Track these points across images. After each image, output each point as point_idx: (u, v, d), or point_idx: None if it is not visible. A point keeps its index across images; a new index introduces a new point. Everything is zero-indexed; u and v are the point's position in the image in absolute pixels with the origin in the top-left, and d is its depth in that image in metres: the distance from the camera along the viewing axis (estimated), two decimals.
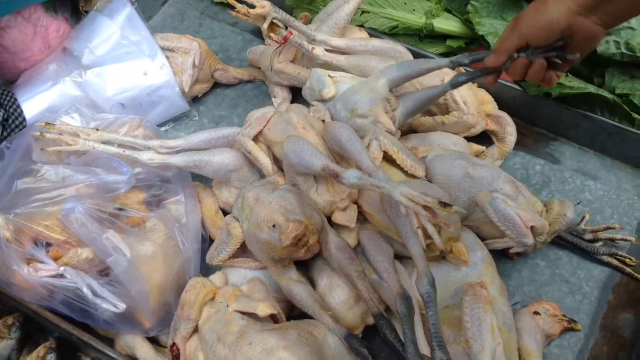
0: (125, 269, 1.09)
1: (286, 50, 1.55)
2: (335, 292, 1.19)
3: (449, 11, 1.76)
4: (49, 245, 1.14)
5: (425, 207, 0.97)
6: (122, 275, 1.09)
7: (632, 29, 1.50)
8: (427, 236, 1.09)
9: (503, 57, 1.13)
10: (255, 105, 1.69)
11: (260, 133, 1.32)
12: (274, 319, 1.12)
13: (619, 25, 1.46)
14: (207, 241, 1.35)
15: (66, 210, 1.09)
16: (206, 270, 1.31)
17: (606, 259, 1.39)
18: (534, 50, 1.10)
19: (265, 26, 1.48)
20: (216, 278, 1.21)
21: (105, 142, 1.32)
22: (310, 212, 1.14)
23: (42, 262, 1.12)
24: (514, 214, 1.23)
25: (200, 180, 1.46)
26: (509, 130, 1.52)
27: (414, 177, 1.26)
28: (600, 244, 1.40)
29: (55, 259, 1.13)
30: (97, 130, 1.32)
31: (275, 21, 1.53)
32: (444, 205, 0.94)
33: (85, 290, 1.10)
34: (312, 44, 1.52)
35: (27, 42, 1.51)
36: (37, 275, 1.09)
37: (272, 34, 1.46)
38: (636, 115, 1.51)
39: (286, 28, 1.62)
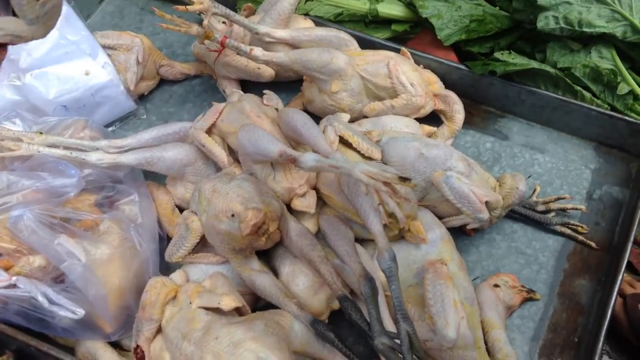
0: (80, 274, 1.06)
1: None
2: (299, 278, 1.18)
3: None
4: None
5: (385, 183, 0.97)
6: (77, 280, 1.05)
7: (569, 3, 1.54)
8: (386, 214, 1.11)
9: None
10: (204, 99, 1.67)
11: (213, 125, 1.31)
12: (238, 312, 1.11)
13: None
14: (164, 240, 1.33)
15: (14, 218, 1.05)
16: (165, 269, 1.29)
17: (559, 228, 1.43)
18: None
19: (205, 22, 1.46)
20: (176, 276, 1.19)
21: (50, 145, 1.27)
22: (268, 199, 1.13)
23: None
24: (468, 190, 1.25)
25: (153, 178, 1.43)
26: (457, 108, 1.54)
27: (370, 159, 1.27)
28: (553, 214, 1.45)
29: (6, 269, 1.08)
30: (41, 133, 1.27)
31: (217, 17, 1.51)
32: (403, 179, 0.95)
33: (40, 299, 1.06)
34: (255, 36, 1.51)
35: None
36: None
37: (206, 41, 1.43)
38: (578, 88, 1.56)
39: (230, 25, 1.60)
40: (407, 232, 1.21)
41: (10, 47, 1.48)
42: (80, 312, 1.06)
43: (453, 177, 1.25)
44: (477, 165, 1.34)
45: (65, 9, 1.54)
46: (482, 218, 1.26)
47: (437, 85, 1.57)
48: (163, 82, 1.69)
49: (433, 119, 1.55)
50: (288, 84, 1.63)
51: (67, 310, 1.06)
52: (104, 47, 1.55)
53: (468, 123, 1.58)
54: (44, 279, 1.09)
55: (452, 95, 1.55)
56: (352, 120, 1.47)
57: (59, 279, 1.11)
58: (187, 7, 1.41)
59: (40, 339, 1.14)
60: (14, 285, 1.06)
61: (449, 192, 1.25)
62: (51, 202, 1.10)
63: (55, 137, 1.29)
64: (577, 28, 1.55)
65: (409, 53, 1.57)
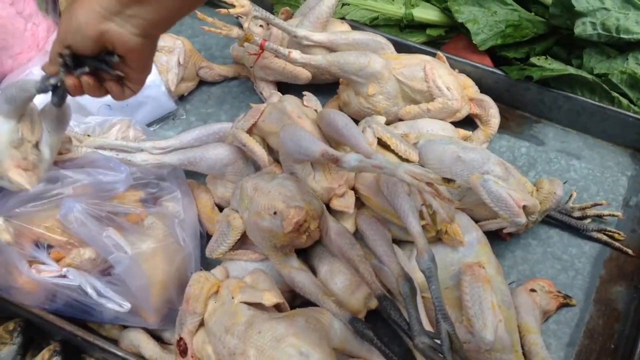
0: (127, 266, 1.09)
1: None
2: (337, 277, 1.20)
3: (427, 0, 1.79)
4: (49, 246, 1.13)
5: (428, 184, 0.99)
6: (123, 272, 1.08)
7: (606, 9, 1.54)
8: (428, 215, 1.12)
9: (54, 66, 0.93)
10: (242, 101, 1.70)
11: (254, 125, 1.33)
12: (278, 308, 1.13)
13: (274, 26, 1.50)
14: (204, 237, 1.35)
15: (65, 209, 1.08)
16: (205, 266, 1.31)
17: (595, 234, 1.42)
18: (76, 60, 0.91)
19: (246, 25, 1.49)
20: (218, 272, 1.21)
21: (97, 147, 1.31)
22: (309, 198, 1.15)
23: (43, 264, 1.10)
24: (505, 194, 1.25)
25: (193, 177, 1.46)
26: (492, 112, 1.55)
27: (407, 162, 1.28)
28: (589, 220, 1.44)
29: (57, 260, 1.11)
30: (89, 135, 1.31)
31: (256, 20, 1.54)
32: (447, 180, 0.96)
33: (90, 290, 1.09)
34: (294, 40, 1.54)
35: (17, 37, 1.48)
36: (39, 276, 1.08)
37: (245, 44, 1.46)
38: (615, 94, 1.55)
39: (268, 25, 1.63)
40: (444, 234, 1.22)
41: None
42: (127, 305, 1.09)
43: (490, 180, 1.26)
44: (514, 169, 1.34)
45: None
46: (520, 222, 1.26)
47: (473, 89, 1.58)
48: (202, 83, 1.72)
49: (468, 123, 1.56)
50: (324, 86, 1.66)
51: (114, 303, 1.09)
52: None
53: (503, 128, 1.58)
54: (92, 271, 1.13)
55: (488, 100, 1.55)
56: (387, 123, 1.48)
57: (106, 272, 1.14)
58: (229, 10, 1.45)
59: (86, 330, 1.17)
60: (64, 276, 1.10)
61: (486, 196, 1.25)
62: (100, 197, 1.13)
63: (102, 139, 1.33)
64: (614, 34, 1.55)
65: (444, 57, 1.58)
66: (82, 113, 1.44)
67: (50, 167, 1.10)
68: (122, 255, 1.09)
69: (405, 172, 1.00)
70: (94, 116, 1.42)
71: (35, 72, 1.50)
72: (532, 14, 1.71)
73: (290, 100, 1.35)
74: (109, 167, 1.16)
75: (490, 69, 1.60)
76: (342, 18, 1.72)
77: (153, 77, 1.56)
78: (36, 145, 1.06)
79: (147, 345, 1.17)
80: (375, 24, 1.76)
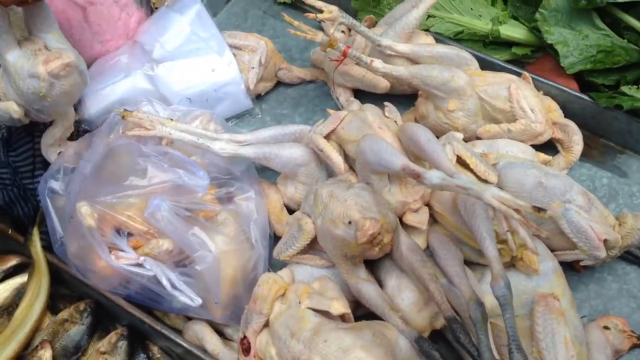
0: (209, 264, 1.11)
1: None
2: (404, 293, 1.18)
3: (515, 18, 1.74)
4: (129, 234, 1.16)
5: (516, 211, 0.96)
6: (205, 269, 1.10)
7: None
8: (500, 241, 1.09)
9: None
10: (317, 105, 1.70)
11: (332, 131, 1.33)
12: (342, 318, 1.12)
13: None
14: (271, 237, 1.36)
15: (152, 207, 1.12)
16: (270, 266, 1.32)
17: None
18: None
19: (331, 31, 1.49)
20: (284, 274, 1.21)
21: (180, 130, 1.34)
22: (385, 210, 1.14)
23: (123, 251, 1.13)
24: (586, 225, 1.21)
25: (264, 177, 1.47)
26: (576, 139, 1.49)
27: (485, 182, 1.25)
28: None
29: (135, 248, 1.14)
30: (172, 120, 1.34)
31: (341, 26, 1.54)
32: (538, 209, 0.93)
33: (164, 282, 1.11)
34: (377, 48, 1.53)
35: (111, 24, 1.54)
36: (118, 263, 1.11)
37: (328, 50, 1.46)
38: None
39: (349, 32, 1.63)
40: (519, 260, 1.19)
41: (144, 38, 1.59)
42: (198, 300, 1.11)
43: (572, 210, 1.21)
44: (597, 200, 1.29)
45: (199, 6, 1.62)
46: (599, 256, 1.21)
47: (557, 113, 1.53)
48: (279, 84, 1.74)
49: (548, 147, 1.51)
50: (401, 97, 1.64)
51: (187, 297, 1.11)
52: (230, 46, 1.62)
53: (585, 155, 1.52)
54: (167, 262, 1.15)
55: (572, 125, 1.50)
56: (464, 140, 1.45)
57: (179, 263, 1.17)
58: (317, 15, 1.45)
59: (153, 318, 1.20)
60: (141, 265, 1.12)
61: (566, 225, 1.21)
62: (183, 197, 1.16)
63: (184, 124, 1.35)
64: None
65: (530, 78, 1.54)
66: (166, 103, 1.47)
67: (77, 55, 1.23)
68: (207, 254, 1.11)
69: (493, 197, 0.97)
70: (178, 106, 1.45)
71: (123, 61, 1.54)
72: (625, 40, 1.64)
73: (371, 110, 1.34)
74: (189, 169, 1.18)
75: (577, 94, 1.55)
76: (427, 30, 1.69)
77: (234, 75, 1.58)
78: (45, 47, 1.22)
79: (211, 339, 1.18)
80: (459, 38, 1.73)
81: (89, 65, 1.61)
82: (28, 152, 1.30)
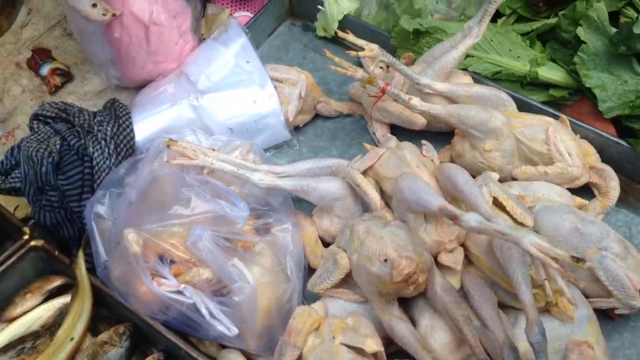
0: (247, 295, 1.13)
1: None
2: (437, 333, 1.19)
3: (553, 60, 1.76)
4: (172, 262, 1.19)
5: (554, 259, 0.97)
6: (243, 301, 1.13)
7: None
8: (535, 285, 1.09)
9: None
10: (353, 138, 1.73)
11: (370, 167, 1.35)
12: (375, 356, 1.13)
13: None
14: (306, 269, 1.38)
15: (194, 237, 1.15)
16: (303, 297, 1.34)
17: None
18: None
19: (372, 68, 1.52)
20: (317, 307, 1.23)
21: (221, 160, 1.37)
22: (420, 250, 1.15)
23: (165, 278, 1.16)
24: (622, 274, 1.21)
25: (299, 208, 1.49)
26: (612, 184, 1.49)
27: (521, 225, 1.26)
28: None
29: (176, 276, 1.17)
30: (213, 150, 1.38)
31: (380, 63, 1.57)
32: (576, 259, 0.93)
33: (203, 310, 1.14)
34: (415, 86, 1.55)
35: (168, 47, 1.60)
36: (160, 290, 1.14)
37: (368, 85, 1.49)
38: None
39: (387, 68, 1.66)
40: (554, 306, 1.19)
41: (190, 69, 1.65)
42: (235, 330, 1.13)
43: (608, 257, 1.21)
44: (633, 248, 1.29)
45: (244, 39, 1.68)
46: (635, 305, 1.21)
47: (594, 157, 1.53)
48: (317, 116, 1.77)
49: (584, 191, 1.51)
50: (437, 135, 1.65)
51: (224, 327, 1.14)
52: (272, 79, 1.66)
53: (621, 201, 1.52)
54: (206, 291, 1.18)
55: (609, 170, 1.50)
56: (500, 181, 1.46)
57: (217, 292, 1.19)
58: (359, 53, 1.48)
59: (189, 344, 1.22)
60: (181, 292, 1.15)
61: (602, 273, 1.21)
62: (224, 227, 1.19)
63: (224, 155, 1.39)
64: None
65: (568, 121, 1.55)
66: (208, 133, 1.51)
67: None
68: (245, 285, 1.14)
69: (531, 244, 0.98)
70: (219, 136, 1.49)
71: (169, 90, 1.60)
72: None
73: (409, 148, 1.36)
74: (229, 200, 1.22)
75: (615, 139, 1.55)
76: (465, 69, 1.72)
77: (274, 107, 1.62)
78: None
79: None
80: (497, 77, 1.75)
81: (134, 85, 1.68)
82: (77, 175, 1.35)
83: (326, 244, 1.41)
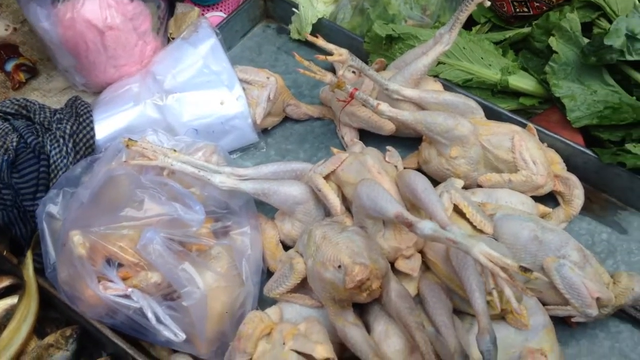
0: (196, 300, 1.12)
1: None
2: (391, 339, 1.17)
3: (524, 69, 1.76)
4: (119, 265, 1.17)
5: (503, 269, 0.96)
6: (192, 306, 1.11)
7: None
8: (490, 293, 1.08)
9: None
10: (322, 142, 1.72)
11: (332, 172, 1.34)
12: None
13: None
14: (265, 273, 1.36)
15: (145, 240, 1.13)
16: (260, 302, 1.32)
17: None
18: None
19: (341, 72, 1.51)
20: (272, 312, 1.22)
21: (182, 162, 1.35)
22: (375, 256, 1.14)
23: (111, 281, 1.14)
24: (580, 282, 1.21)
25: (262, 211, 1.48)
26: (577, 193, 1.49)
27: (480, 232, 1.25)
28: None
29: (124, 279, 1.15)
30: (175, 151, 1.36)
31: (351, 68, 1.56)
32: (525, 270, 0.92)
33: (150, 315, 1.12)
34: (384, 92, 1.54)
35: (127, 51, 1.58)
36: (105, 293, 1.12)
37: (336, 90, 1.48)
38: None
39: (359, 75, 1.65)
40: (508, 313, 1.18)
41: (157, 69, 1.63)
42: (182, 336, 1.11)
43: (566, 266, 1.21)
44: (592, 257, 1.29)
45: (214, 40, 1.66)
46: (591, 314, 1.20)
47: (560, 166, 1.53)
48: (286, 119, 1.76)
49: (548, 199, 1.51)
50: (406, 140, 1.65)
51: (171, 332, 1.12)
52: (241, 80, 1.65)
53: (585, 210, 1.52)
54: (155, 295, 1.16)
55: (574, 179, 1.50)
56: (465, 187, 1.45)
57: (167, 296, 1.17)
58: (327, 57, 1.47)
59: (137, 346, 1.20)
60: (128, 296, 1.13)
61: (559, 281, 1.20)
62: (177, 230, 1.17)
63: (186, 156, 1.37)
64: None
65: (535, 130, 1.55)
66: (171, 133, 1.50)
67: None
68: (195, 290, 1.12)
69: (480, 253, 0.97)
70: (182, 137, 1.47)
71: (134, 89, 1.58)
72: (634, 98, 1.64)
73: (372, 154, 1.35)
74: (186, 203, 1.20)
75: (581, 148, 1.55)
76: (436, 76, 1.71)
77: (242, 109, 1.61)
78: None
79: None
80: (468, 85, 1.74)
81: (100, 90, 1.66)
82: (32, 174, 1.33)
83: (287, 248, 1.40)
